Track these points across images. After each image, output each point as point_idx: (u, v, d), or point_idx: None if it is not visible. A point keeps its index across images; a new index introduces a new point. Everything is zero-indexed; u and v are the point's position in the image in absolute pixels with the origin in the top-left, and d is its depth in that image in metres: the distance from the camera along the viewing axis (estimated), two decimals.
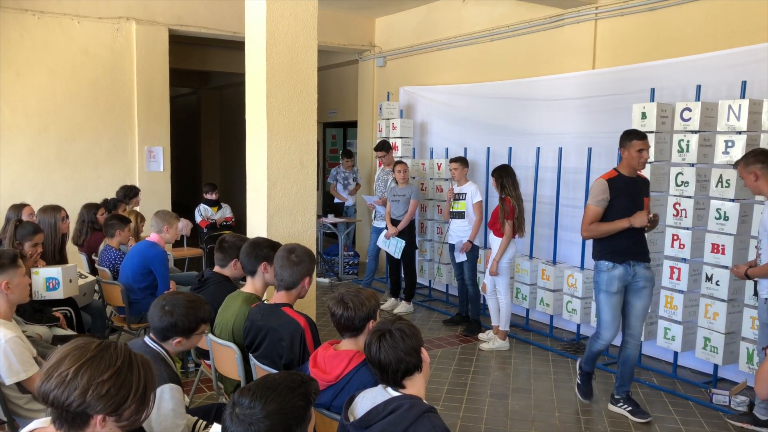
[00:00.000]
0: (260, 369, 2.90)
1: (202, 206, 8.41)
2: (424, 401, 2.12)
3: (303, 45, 4.84)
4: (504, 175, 5.63)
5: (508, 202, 5.57)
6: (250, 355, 3.01)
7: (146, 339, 2.52)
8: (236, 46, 9.41)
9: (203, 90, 15.38)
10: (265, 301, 3.20)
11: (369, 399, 2.16)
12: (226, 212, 8.53)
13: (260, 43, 4.72)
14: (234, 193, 12.18)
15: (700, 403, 4.64)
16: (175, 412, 2.31)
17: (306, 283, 3.08)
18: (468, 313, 6.54)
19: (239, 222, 8.73)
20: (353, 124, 10.57)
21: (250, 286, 3.38)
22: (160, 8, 7.89)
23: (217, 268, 4.03)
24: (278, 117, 4.78)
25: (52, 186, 7.40)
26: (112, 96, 7.78)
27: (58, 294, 4.21)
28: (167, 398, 2.29)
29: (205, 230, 8.29)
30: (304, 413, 1.63)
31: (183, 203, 10.60)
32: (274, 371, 2.71)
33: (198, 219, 8.32)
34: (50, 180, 7.44)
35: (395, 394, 2.14)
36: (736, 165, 4.23)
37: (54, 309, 4.23)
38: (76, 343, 1.60)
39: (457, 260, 6.37)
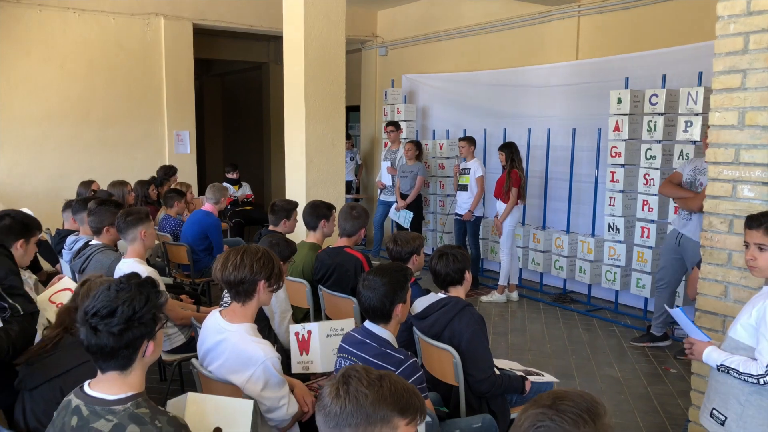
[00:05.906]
0: (328, 295, 3.84)
1: (225, 184, 9.26)
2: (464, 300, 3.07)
3: (334, 42, 5.72)
4: (514, 151, 6.59)
5: (515, 173, 6.51)
6: (320, 286, 3.95)
7: None
8: (240, 36, 10.18)
9: (206, 77, 16.05)
10: (330, 246, 4.14)
11: (425, 301, 3.11)
12: (246, 190, 9.41)
13: (298, 40, 5.60)
14: (240, 175, 12.95)
15: None
16: (287, 302, 3.30)
17: (362, 233, 4.07)
18: None
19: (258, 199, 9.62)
20: (355, 109, 11.41)
21: (312, 237, 4.32)
22: (186, 4, 8.69)
23: (271, 227, 4.94)
24: (314, 104, 5.67)
25: (93, 167, 8.17)
26: (144, 85, 8.60)
27: None
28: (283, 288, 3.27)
29: (229, 206, 9.16)
30: (404, 284, 2.56)
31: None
32: (343, 296, 3.67)
33: None
34: (92, 162, 8.24)
35: (444, 296, 3.09)
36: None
37: None
38: (230, 249, 2.54)
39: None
